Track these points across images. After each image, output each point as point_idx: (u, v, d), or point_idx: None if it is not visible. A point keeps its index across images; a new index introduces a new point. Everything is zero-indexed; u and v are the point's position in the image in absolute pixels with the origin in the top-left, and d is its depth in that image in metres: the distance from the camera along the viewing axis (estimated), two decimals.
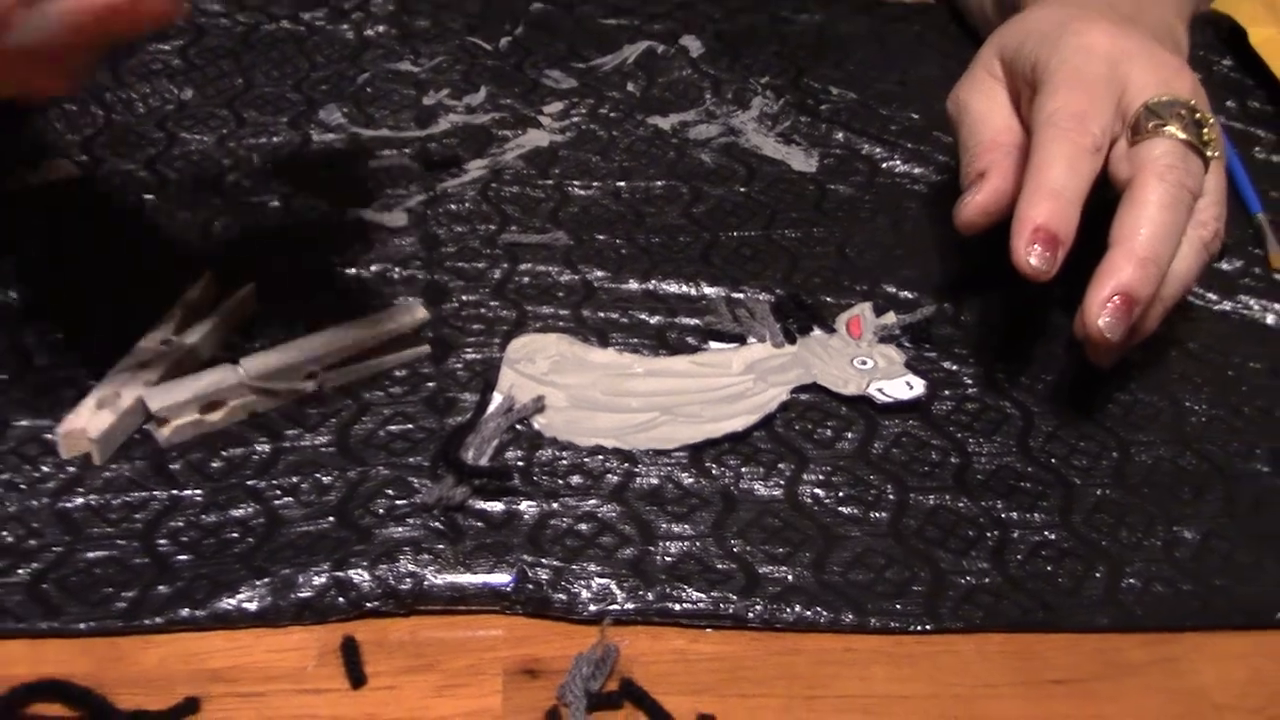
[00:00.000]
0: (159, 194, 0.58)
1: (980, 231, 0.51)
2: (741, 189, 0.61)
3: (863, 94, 0.68)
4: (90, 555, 0.43)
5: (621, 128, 0.64)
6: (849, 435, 0.49)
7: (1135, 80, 0.51)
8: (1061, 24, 0.52)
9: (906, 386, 0.51)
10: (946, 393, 0.51)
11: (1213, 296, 0.58)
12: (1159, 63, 0.51)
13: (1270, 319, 0.57)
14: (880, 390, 0.50)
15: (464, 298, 0.54)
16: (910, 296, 0.56)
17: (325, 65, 0.66)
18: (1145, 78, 0.51)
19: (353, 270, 0.55)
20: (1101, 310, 0.46)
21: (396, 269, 0.55)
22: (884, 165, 0.64)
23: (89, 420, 0.46)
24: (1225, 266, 0.59)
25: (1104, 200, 0.50)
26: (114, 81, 0.64)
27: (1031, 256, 0.47)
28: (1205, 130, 0.50)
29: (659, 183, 0.61)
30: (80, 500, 0.45)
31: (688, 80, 0.68)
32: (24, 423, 0.47)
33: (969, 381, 0.52)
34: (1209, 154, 0.50)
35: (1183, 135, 0.49)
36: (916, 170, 0.63)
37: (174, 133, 0.62)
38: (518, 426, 0.48)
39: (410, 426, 0.48)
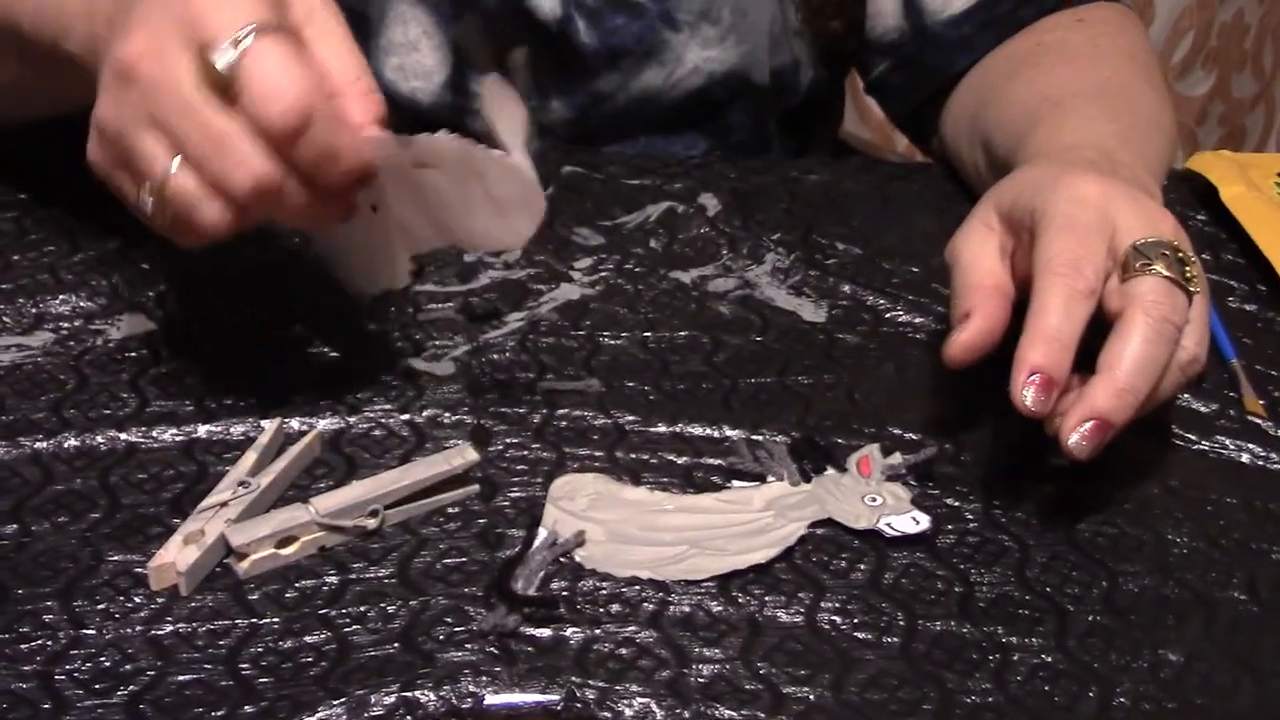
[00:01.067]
0: (228, 346, 0.63)
1: (966, 366, 0.57)
2: (757, 338, 0.67)
3: (867, 248, 0.74)
4: (181, 678, 0.48)
5: (646, 281, 0.70)
6: (861, 566, 0.54)
7: (1123, 223, 0.56)
8: (1055, 177, 0.58)
9: (913, 521, 0.56)
10: (950, 527, 0.56)
11: (1191, 436, 0.63)
12: (1143, 207, 0.58)
13: (1245, 458, 0.62)
14: (889, 525, 0.55)
15: (508, 440, 0.59)
16: (915, 438, 0.61)
17: None
18: (1132, 220, 0.56)
19: (406, 416, 0.60)
20: (1074, 432, 0.52)
21: (446, 414, 0.60)
22: (887, 315, 0.69)
23: (177, 555, 0.51)
24: (1203, 409, 0.65)
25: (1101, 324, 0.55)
26: None
27: (1028, 398, 0.53)
28: (1188, 268, 0.56)
29: (682, 333, 0.67)
30: (170, 628, 0.50)
31: (706, 237, 0.74)
32: (116, 557, 0.52)
33: (970, 517, 0.57)
34: (1192, 289, 0.56)
35: (1167, 273, 0.55)
36: (917, 320, 0.69)
37: (239, 290, 0.67)
38: (561, 559, 0.53)
39: (464, 559, 0.53)
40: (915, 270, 0.73)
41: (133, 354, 0.63)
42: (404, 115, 0.79)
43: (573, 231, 0.74)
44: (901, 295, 0.71)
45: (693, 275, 0.71)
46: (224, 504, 0.53)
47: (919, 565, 0.55)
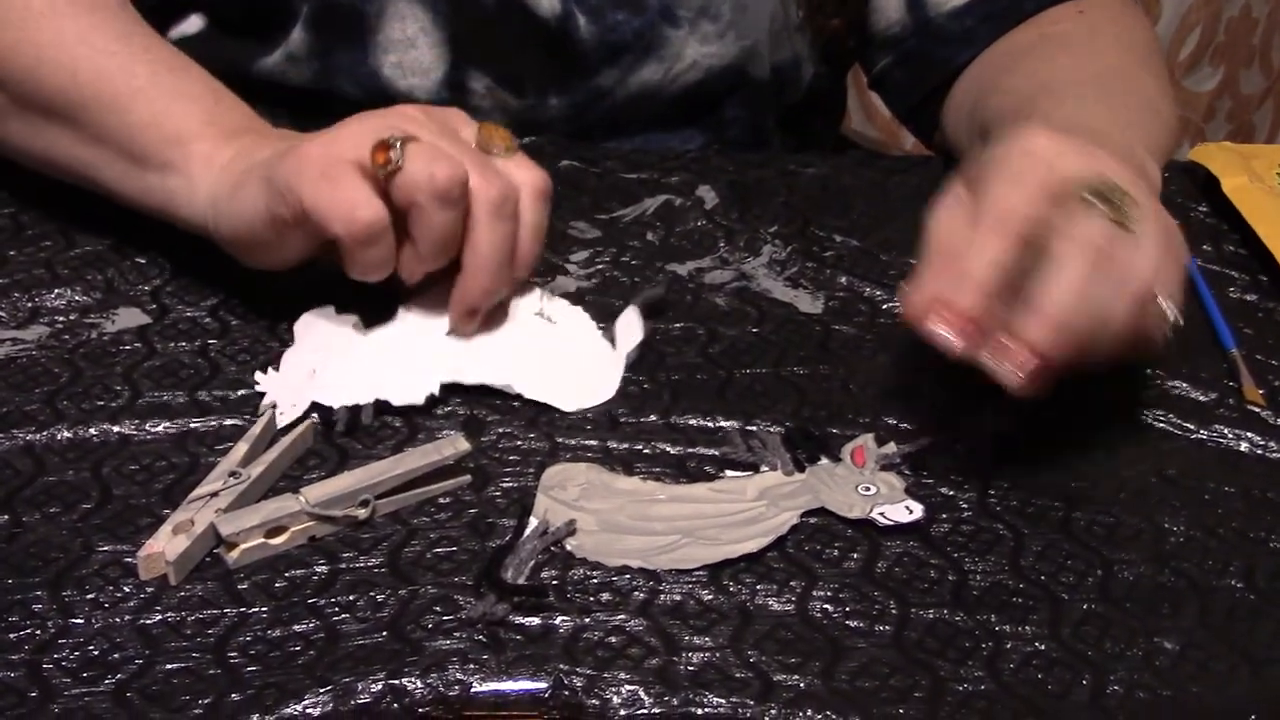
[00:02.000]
0: (221, 338, 0.64)
1: (923, 327, 0.56)
2: (753, 330, 0.67)
3: (865, 241, 0.74)
4: (169, 667, 0.48)
5: (642, 274, 0.70)
6: (854, 555, 0.54)
7: (1070, 172, 0.56)
8: (1014, 139, 0.58)
9: (907, 511, 0.55)
10: (944, 516, 0.56)
11: (1190, 426, 0.62)
12: (1095, 158, 0.57)
13: (1243, 447, 0.62)
14: (882, 514, 0.55)
15: (500, 430, 0.59)
16: (909, 428, 0.61)
17: None
18: (1078, 168, 0.56)
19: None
20: (1005, 363, 0.53)
21: (439, 405, 0.60)
22: (884, 307, 0.69)
23: (166, 545, 0.51)
24: (1201, 398, 0.64)
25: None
26: (179, 235, 0.70)
27: (937, 333, 0.53)
28: (1130, 209, 0.55)
29: (677, 325, 0.67)
30: (159, 617, 0.49)
31: (702, 230, 0.74)
32: (106, 548, 0.52)
33: (964, 506, 0.57)
34: (1131, 227, 0.54)
35: (1103, 207, 0.54)
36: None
37: (234, 282, 0.67)
38: (552, 548, 0.53)
39: (454, 549, 0.53)
40: (913, 263, 0.71)
41: (127, 347, 0.63)
42: None
43: (569, 225, 0.73)
44: (898, 287, 0.70)
45: (689, 267, 0.71)
46: (214, 494, 0.53)
47: (912, 554, 0.54)
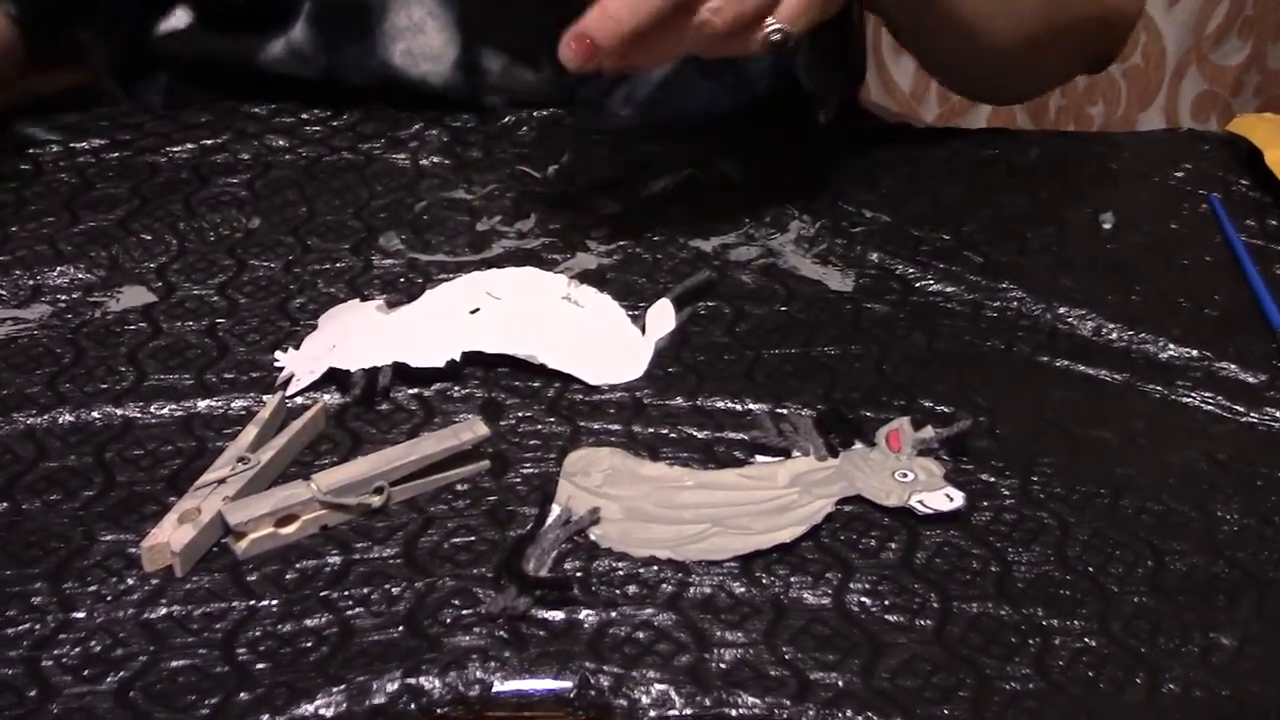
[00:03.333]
0: (230, 317, 0.61)
1: (580, 67, 0.59)
2: (781, 308, 0.64)
3: (895, 216, 0.71)
4: (174, 664, 0.45)
5: (665, 250, 0.67)
6: (892, 545, 0.51)
7: None
8: None
9: (946, 499, 0.53)
10: (985, 503, 0.54)
11: (1239, 408, 0.60)
12: None
13: None
14: (921, 502, 0.53)
15: (520, 414, 0.57)
16: (946, 410, 0.58)
17: (384, 194, 0.70)
18: None
19: (413, 390, 0.58)
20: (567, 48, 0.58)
21: (456, 388, 0.58)
22: (917, 284, 0.66)
23: (171, 535, 0.49)
24: (1251, 380, 0.61)
25: None
26: (186, 212, 0.68)
27: (567, 55, 0.58)
28: None
29: (704, 304, 0.64)
30: (163, 611, 0.47)
31: (728, 204, 0.71)
32: (109, 537, 0.50)
33: (1006, 493, 0.54)
34: None
35: None
36: (948, 289, 0.66)
37: (243, 259, 0.65)
38: (575, 538, 0.51)
39: (473, 539, 0.51)
40: (946, 238, 0.70)
41: (131, 327, 0.61)
42: (418, 99, 0.76)
43: (589, 199, 0.71)
44: (931, 263, 0.68)
45: (714, 244, 0.68)
46: (222, 481, 0.51)
47: (953, 544, 0.52)
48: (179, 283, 0.63)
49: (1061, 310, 0.65)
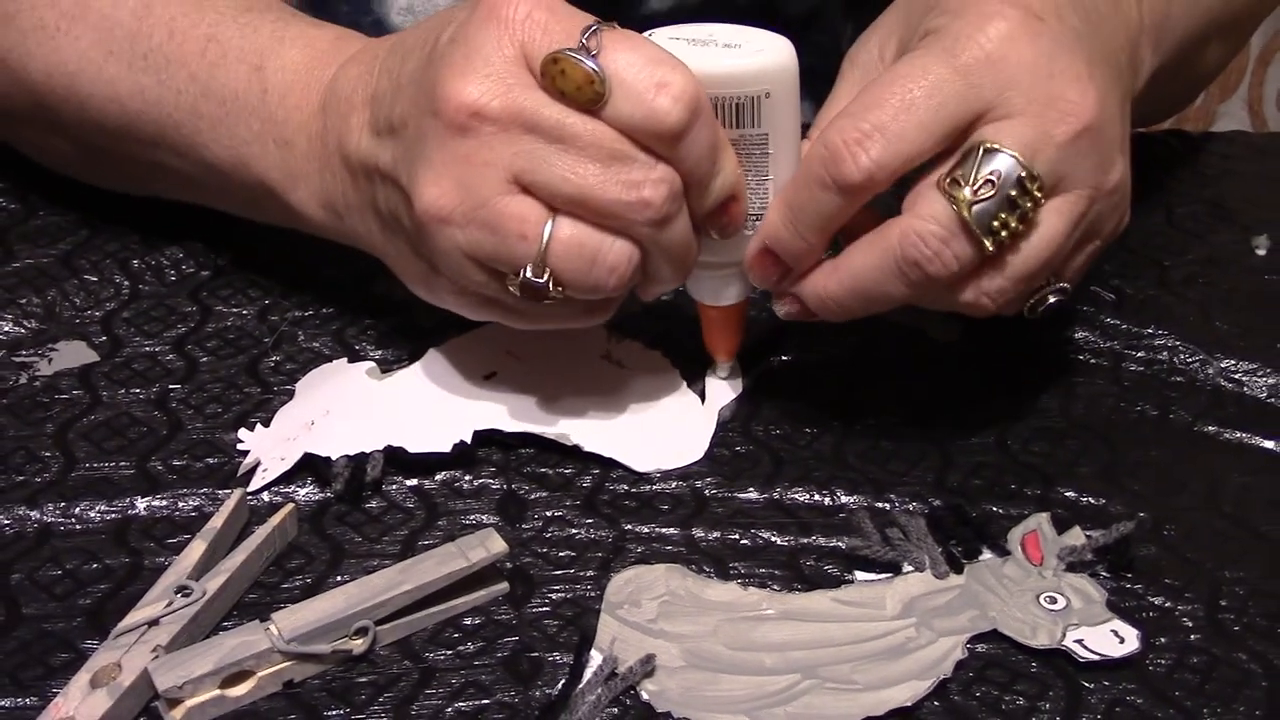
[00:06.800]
0: (186, 382, 0.49)
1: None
2: (875, 357, 0.51)
3: None
4: None
5: None
6: (1044, 706, 0.39)
7: (1001, 109, 0.42)
8: (962, 7, 0.43)
9: (1114, 638, 0.40)
10: (1163, 640, 0.41)
11: None
12: (1050, 97, 0.42)
13: None
14: (1080, 643, 0.40)
15: (548, 513, 0.44)
16: (1095, 502, 0.45)
17: None
18: (1017, 106, 0.42)
19: (412, 481, 0.45)
20: (782, 301, 0.46)
21: (466, 477, 0.45)
22: (1032, 331, 0.53)
23: (79, 705, 0.36)
24: None
25: None
26: (142, 245, 0.56)
27: (752, 276, 0.46)
28: (1011, 220, 0.42)
29: (776, 355, 0.51)
30: None
31: None
32: (3, 703, 0.37)
33: (1188, 624, 0.41)
34: (989, 248, 0.42)
35: (966, 213, 0.41)
36: (1078, 334, 0.53)
37: (208, 305, 0.53)
38: (624, 698, 0.38)
39: (486, 702, 0.38)
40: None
41: (64, 395, 0.49)
42: None
43: None
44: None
45: None
46: (154, 623, 0.39)
47: (1128, 703, 0.39)
48: (127, 336, 0.51)
49: (1225, 364, 0.52)
